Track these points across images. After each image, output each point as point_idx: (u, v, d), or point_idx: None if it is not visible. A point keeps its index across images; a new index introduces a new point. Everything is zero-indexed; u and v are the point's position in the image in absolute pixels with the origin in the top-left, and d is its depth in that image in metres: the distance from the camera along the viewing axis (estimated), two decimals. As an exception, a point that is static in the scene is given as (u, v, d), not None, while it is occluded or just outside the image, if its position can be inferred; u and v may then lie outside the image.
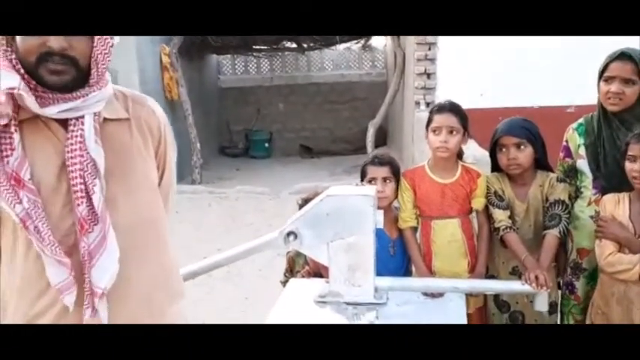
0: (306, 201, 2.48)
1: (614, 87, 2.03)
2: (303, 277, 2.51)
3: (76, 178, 1.12)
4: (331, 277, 2.00)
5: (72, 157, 1.13)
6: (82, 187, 1.12)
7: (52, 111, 1.12)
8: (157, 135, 1.34)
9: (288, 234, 1.96)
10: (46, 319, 1.14)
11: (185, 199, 6.84)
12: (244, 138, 11.18)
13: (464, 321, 2.00)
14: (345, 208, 1.93)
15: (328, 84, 11.44)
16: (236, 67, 11.70)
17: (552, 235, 2.12)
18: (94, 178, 1.13)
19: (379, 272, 2.05)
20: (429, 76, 6.15)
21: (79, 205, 1.12)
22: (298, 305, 2.19)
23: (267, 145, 11.03)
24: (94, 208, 1.13)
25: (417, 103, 6.26)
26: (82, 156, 1.13)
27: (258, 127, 11.25)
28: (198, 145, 8.00)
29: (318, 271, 2.37)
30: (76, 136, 1.14)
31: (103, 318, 1.15)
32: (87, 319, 1.13)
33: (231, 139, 11.44)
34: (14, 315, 1.14)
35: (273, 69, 11.62)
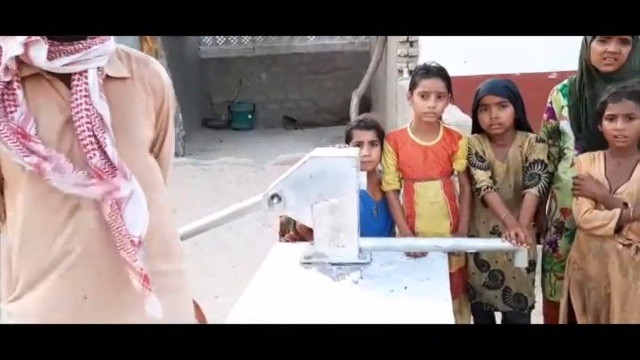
0: None
1: (611, 47, 2.04)
2: (287, 241, 2.54)
3: (84, 131, 1.12)
4: (316, 239, 2.03)
5: (78, 112, 1.12)
6: (93, 139, 1.12)
7: (56, 64, 1.11)
8: (160, 96, 1.33)
9: (272, 196, 1.98)
10: (59, 270, 1.14)
11: (168, 171, 6.80)
12: (227, 110, 11.06)
13: (446, 280, 2.04)
14: (329, 169, 1.95)
15: (311, 54, 11.32)
16: (217, 37, 11.51)
17: (531, 195, 2.17)
18: (103, 132, 1.13)
19: (363, 234, 2.09)
20: (411, 44, 6.13)
21: (91, 157, 1.12)
22: (283, 267, 2.22)
23: (250, 116, 10.94)
24: (110, 160, 1.13)
25: (400, 71, 6.25)
26: (88, 110, 1.12)
27: (241, 99, 11.13)
28: (180, 116, 7.91)
29: (304, 237, 2.38)
30: (80, 91, 1.13)
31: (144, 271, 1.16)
32: (140, 265, 1.15)
33: (214, 110, 11.31)
34: (18, 272, 1.15)
35: (254, 39, 11.44)
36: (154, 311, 1.17)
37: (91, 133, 1.12)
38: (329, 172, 1.94)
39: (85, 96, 1.13)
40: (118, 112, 1.19)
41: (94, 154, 1.12)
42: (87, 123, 1.12)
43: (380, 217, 2.39)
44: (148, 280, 1.15)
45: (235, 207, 2.15)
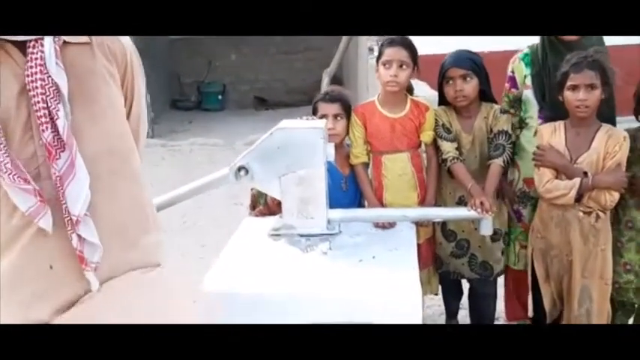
0: None
1: None
2: (257, 216, 2.53)
3: (38, 102, 1.08)
4: (284, 210, 2.02)
5: (32, 81, 1.08)
6: (46, 112, 1.08)
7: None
8: (122, 62, 1.28)
9: (239, 169, 1.97)
10: (22, 241, 1.11)
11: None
12: (196, 91, 10.89)
13: (414, 249, 2.07)
14: (296, 141, 1.94)
15: (281, 34, 11.20)
16: (185, 17, 11.25)
17: (496, 165, 2.21)
18: (58, 103, 1.09)
19: (332, 208, 2.09)
20: (381, 21, 6.11)
21: (43, 131, 1.08)
22: (252, 239, 2.21)
23: (220, 97, 10.79)
24: (60, 134, 1.09)
25: (371, 50, 6.24)
26: (43, 80, 1.08)
27: (210, 80, 10.96)
28: (149, 97, 7.76)
29: (274, 211, 2.38)
30: (36, 59, 1.08)
31: (92, 244, 1.13)
32: (75, 245, 1.11)
33: (183, 92, 11.12)
34: None
35: (223, 18, 11.22)
36: (93, 286, 1.16)
37: (45, 105, 1.08)
38: (296, 144, 1.93)
39: (41, 64, 1.08)
40: (77, 80, 1.15)
41: (46, 128, 1.08)
42: (41, 94, 1.08)
43: (349, 190, 2.40)
44: (82, 260, 1.13)
45: (202, 180, 2.13)
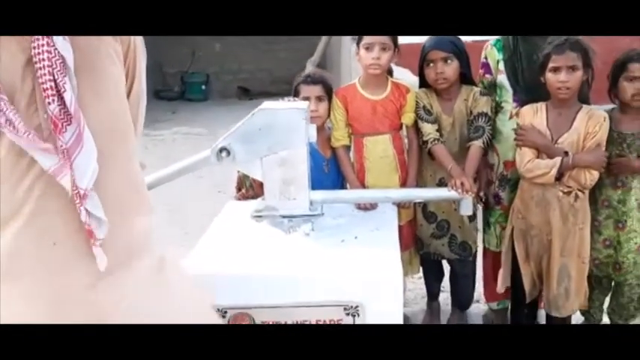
0: None
1: None
2: (240, 199, 2.53)
3: (44, 75, 1.06)
4: (266, 192, 2.02)
5: (39, 53, 1.06)
6: (52, 84, 1.06)
7: None
8: (125, 39, 1.26)
9: (221, 150, 1.96)
10: (24, 216, 1.09)
11: (119, 142, 6.61)
12: (179, 81, 10.80)
13: (395, 230, 2.09)
14: (277, 122, 1.93)
15: (265, 23, 11.13)
16: (167, 5, 11.12)
17: (476, 146, 2.23)
18: (64, 76, 1.07)
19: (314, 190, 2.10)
20: (365, 9, 6.09)
21: (49, 103, 1.06)
22: (235, 221, 2.21)
23: (203, 87, 10.72)
24: (66, 107, 1.07)
25: (354, 38, 6.22)
26: (49, 52, 1.06)
27: (194, 70, 10.87)
28: (131, 86, 7.67)
29: (259, 194, 2.38)
30: None
31: (99, 219, 1.11)
32: (84, 219, 1.10)
33: (166, 82, 11.02)
34: None
35: (206, 7, 11.13)
36: (100, 263, 1.14)
37: (51, 78, 1.06)
38: (278, 125, 1.93)
39: (48, 37, 1.07)
40: (81, 55, 1.13)
41: (53, 100, 1.07)
42: (48, 66, 1.06)
43: (330, 173, 2.41)
44: (91, 234, 1.12)
45: (184, 162, 2.12)
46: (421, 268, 2.65)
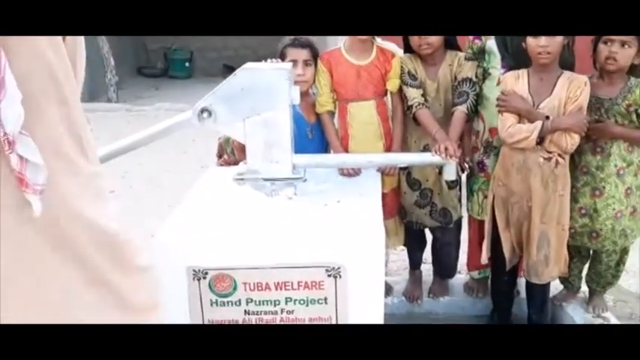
0: None
1: None
2: (222, 165, 2.51)
3: None
4: (248, 155, 1.99)
5: None
6: None
7: None
8: None
9: (202, 111, 1.93)
10: None
11: (100, 117, 6.50)
12: (163, 57, 10.63)
13: (378, 196, 2.09)
14: (260, 82, 1.90)
15: (250, 1, 10.96)
16: (150, -20, 10.89)
17: (460, 112, 2.23)
18: None
19: (298, 155, 2.08)
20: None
21: None
22: (216, 186, 2.19)
23: (187, 64, 10.58)
24: None
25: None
26: None
27: (178, 46, 10.70)
28: (112, 60, 7.54)
29: (240, 160, 2.35)
30: None
31: (35, 164, 1.07)
32: (15, 166, 1.06)
33: (149, 58, 10.85)
34: None
35: (190, -17, 10.91)
36: (35, 209, 1.11)
37: None
38: (261, 85, 1.90)
39: None
40: None
41: None
42: None
43: (314, 139, 2.39)
44: (22, 181, 1.09)
45: (166, 123, 2.08)
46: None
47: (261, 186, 2.01)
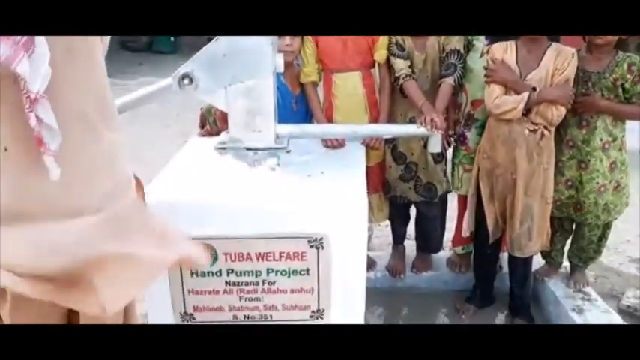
0: None
1: None
2: (204, 136, 2.46)
3: None
4: (230, 123, 1.94)
5: None
6: None
7: None
8: None
9: (183, 77, 1.87)
10: None
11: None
12: (147, 32, 10.42)
13: (362, 168, 2.06)
14: (243, 48, 1.84)
15: (237, -26, 10.75)
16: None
17: (447, 84, 2.20)
18: None
19: (281, 126, 2.03)
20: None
21: None
22: (198, 155, 2.15)
23: (172, 39, 10.35)
24: None
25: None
26: None
27: (162, 21, 10.48)
28: (95, 34, 7.35)
29: (223, 130, 2.31)
30: None
31: (51, 129, 1.03)
32: (33, 126, 1.01)
33: (133, 33, 10.62)
34: None
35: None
36: (52, 173, 1.07)
37: None
38: (244, 51, 1.84)
39: None
40: None
41: None
42: None
43: (299, 110, 2.35)
44: (40, 142, 1.05)
45: (146, 89, 2.03)
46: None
47: (243, 155, 1.97)
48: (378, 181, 2.48)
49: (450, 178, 2.50)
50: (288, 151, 2.06)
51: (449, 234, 2.79)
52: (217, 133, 2.33)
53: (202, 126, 2.49)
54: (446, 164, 2.46)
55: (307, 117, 2.36)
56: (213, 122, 2.42)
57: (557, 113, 2.02)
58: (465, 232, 2.44)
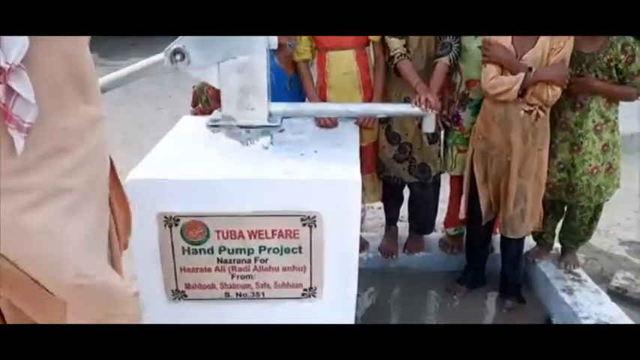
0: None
1: None
2: (196, 114, 2.44)
3: None
4: (223, 101, 1.93)
5: None
6: None
7: None
8: None
9: (175, 52, 1.84)
10: None
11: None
12: (139, 12, 10.29)
13: (356, 147, 2.05)
14: (236, 24, 1.82)
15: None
16: None
17: (442, 63, 2.18)
18: None
19: (275, 107, 2.01)
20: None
21: None
22: (190, 133, 2.13)
23: (165, 20, 10.25)
24: None
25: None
26: None
27: None
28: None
29: (215, 109, 2.28)
30: None
31: (26, 101, 1.00)
32: (1, 96, 0.98)
33: (125, 13, 10.48)
34: None
35: None
36: (17, 146, 1.04)
37: None
38: (236, 27, 1.82)
39: None
40: None
41: None
42: None
43: (293, 91, 2.33)
44: (6, 115, 1.02)
45: (138, 65, 2.00)
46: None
47: (236, 133, 1.95)
48: (371, 162, 2.47)
49: (443, 158, 2.49)
50: (281, 130, 2.05)
51: (441, 215, 2.79)
52: (210, 112, 2.30)
53: (195, 105, 2.47)
54: (440, 145, 2.45)
55: (301, 98, 2.34)
56: (205, 101, 2.40)
57: (553, 93, 2.01)
58: (462, 215, 2.44)
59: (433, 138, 2.36)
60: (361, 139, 2.24)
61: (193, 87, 2.50)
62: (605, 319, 2.13)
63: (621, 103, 2.20)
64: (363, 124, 2.28)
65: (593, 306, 2.22)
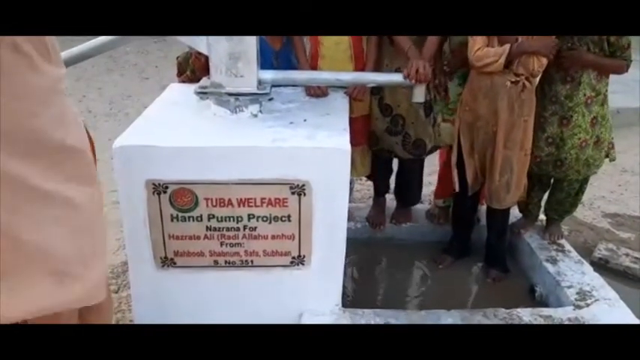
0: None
1: None
2: (184, 82, 2.41)
3: None
4: (211, 68, 1.91)
5: None
6: None
7: None
8: None
9: (163, 17, 1.81)
10: None
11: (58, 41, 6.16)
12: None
13: (345, 117, 2.04)
14: (224, -12, 1.79)
15: None
16: None
17: (433, 32, 2.16)
18: None
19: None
20: None
21: None
22: (177, 100, 2.11)
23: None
24: None
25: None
26: None
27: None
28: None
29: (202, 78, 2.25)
30: None
31: None
32: None
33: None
34: None
35: None
36: None
37: None
38: (225, -8, 1.78)
39: None
40: None
41: None
42: None
43: (279, 66, 2.29)
44: None
45: (102, 39, 1.96)
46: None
47: (224, 101, 1.94)
48: (361, 134, 2.45)
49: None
50: (271, 99, 2.04)
51: (427, 187, 2.80)
52: (197, 80, 2.29)
53: (180, 74, 2.44)
54: (434, 118, 2.43)
55: (289, 70, 2.32)
56: (191, 72, 2.37)
57: (539, 64, 2.01)
58: (456, 186, 2.42)
59: (428, 110, 2.35)
60: (352, 111, 2.23)
61: (177, 57, 2.47)
62: (587, 288, 2.18)
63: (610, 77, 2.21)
64: (353, 94, 2.27)
65: (576, 275, 2.26)
